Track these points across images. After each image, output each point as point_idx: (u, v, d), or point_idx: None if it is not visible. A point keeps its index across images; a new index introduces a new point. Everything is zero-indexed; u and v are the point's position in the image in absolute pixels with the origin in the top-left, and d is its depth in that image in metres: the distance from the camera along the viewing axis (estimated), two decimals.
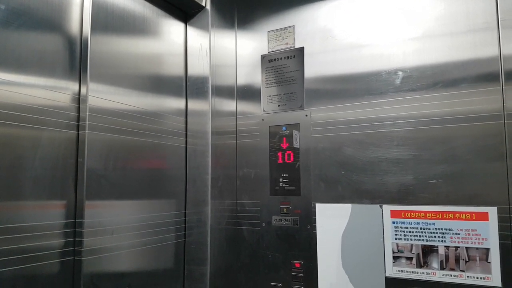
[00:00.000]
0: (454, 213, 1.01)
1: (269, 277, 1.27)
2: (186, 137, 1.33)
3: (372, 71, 1.15)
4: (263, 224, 1.30)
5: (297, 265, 1.23)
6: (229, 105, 1.38)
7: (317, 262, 1.19)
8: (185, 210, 1.32)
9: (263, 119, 1.33)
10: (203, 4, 1.29)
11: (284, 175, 1.28)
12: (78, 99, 0.99)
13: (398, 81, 1.11)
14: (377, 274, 1.09)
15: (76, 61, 0.99)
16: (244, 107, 1.38)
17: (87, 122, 0.97)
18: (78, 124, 0.98)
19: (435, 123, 1.06)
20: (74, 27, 0.99)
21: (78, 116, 0.98)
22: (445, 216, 1.02)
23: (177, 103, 1.30)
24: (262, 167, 1.32)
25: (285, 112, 1.29)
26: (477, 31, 1.04)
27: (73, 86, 0.98)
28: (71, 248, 0.95)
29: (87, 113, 0.97)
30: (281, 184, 1.28)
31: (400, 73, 1.11)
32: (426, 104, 1.07)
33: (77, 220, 0.96)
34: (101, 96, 1.02)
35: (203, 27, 1.31)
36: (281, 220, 1.27)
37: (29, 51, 0.88)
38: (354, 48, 1.19)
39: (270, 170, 1.30)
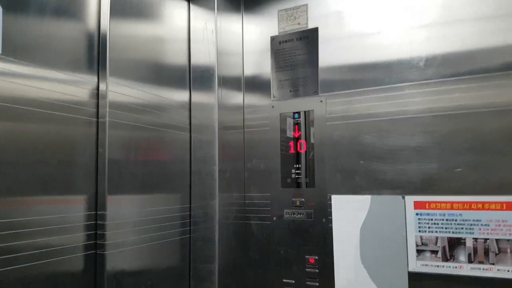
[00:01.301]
0: (483, 203, 0.96)
1: (281, 274, 1.20)
2: (190, 125, 1.25)
3: (394, 56, 1.08)
4: (274, 218, 1.23)
5: (312, 260, 1.17)
6: (236, 92, 1.30)
7: (333, 257, 1.13)
8: (190, 204, 1.23)
9: (273, 106, 1.25)
10: None
11: (297, 166, 1.20)
12: (97, 93, 0.96)
13: (422, 67, 1.04)
14: (400, 269, 1.03)
15: (94, 54, 0.96)
16: (253, 93, 1.29)
17: (107, 118, 0.94)
18: (98, 119, 0.95)
19: (462, 108, 1.00)
20: (92, 19, 0.95)
21: (97, 111, 0.95)
22: (473, 206, 0.97)
23: (184, 94, 1.22)
24: (273, 158, 1.24)
25: (298, 98, 1.22)
26: (509, 16, 0.98)
27: (92, 79, 0.95)
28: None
29: (107, 109, 0.95)
30: (293, 176, 1.21)
31: (425, 58, 1.04)
32: (453, 90, 1.01)
33: (98, 213, 0.93)
34: (119, 90, 0.98)
35: (209, 7, 1.22)
36: (294, 214, 1.20)
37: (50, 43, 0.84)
38: (374, 31, 1.12)
39: (281, 161, 1.23)
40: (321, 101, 1.17)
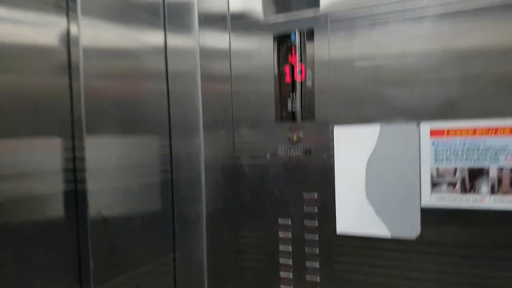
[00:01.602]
0: (511, 127, 0.83)
1: (276, 214, 1.08)
2: (167, 70, 1.07)
3: None
4: (268, 157, 1.09)
5: (310, 199, 1.04)
6: (222, 29, 1.10)
7: (335, 195, 1.01)
8: (170, 141, 1.08)
9: (264, 27, 1.07)
10: None
11: (293, 95, 1.05)
12: (68, 36, 0.81)
13: None
14: (411, 205, 0.92)
15: None
16: (238, 11, 1.10)
17: (81, 65, 0.80)
18: (70, 66, 0.81)
19: (488, 15, 0.84)
20: None
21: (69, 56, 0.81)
22: (499, 131, 0.84)
23: (158, 36, 1.03)
24: (264, 88, 1.08)
25: (294, 14, 1.03)
26: None
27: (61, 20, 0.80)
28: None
29: (81, 55, 0.81)
30: (289, 108, 1.05)
31: None
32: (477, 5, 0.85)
33: (77, 149, 0.81)
34: (91, 32, 0.83)
35: None
36: (291, 150, 1.06)
37: None
38: None
39: (274, 91, 1.07)
40: (322, 18, 0.99)
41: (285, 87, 1.06)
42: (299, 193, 1.05)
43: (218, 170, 1.10)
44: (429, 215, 0.91)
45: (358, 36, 0.96)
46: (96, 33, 0.85)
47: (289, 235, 1.07)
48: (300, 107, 1.04)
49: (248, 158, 1.11)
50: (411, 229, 0.92)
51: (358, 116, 0.97)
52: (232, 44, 1.10)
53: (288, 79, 1.05)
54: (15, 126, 0.71)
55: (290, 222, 1.07)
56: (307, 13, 1.01)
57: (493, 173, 0.85)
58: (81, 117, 0.81)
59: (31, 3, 0.73)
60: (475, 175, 0.86)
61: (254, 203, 1.11)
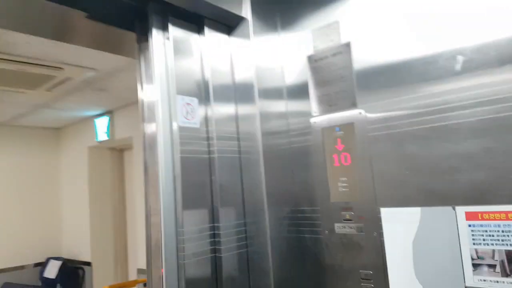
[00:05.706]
0: None
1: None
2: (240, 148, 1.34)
3: (427, 56, 1.04)
4: (326, 232, 1.25)
5: (366, 275, 1.15)
6: (279, 107, 1.35)
7: (387, 271, 1.10)
8: (244, 219, 1.32)
9: (314, 122, 1.28)
10: (243, 15, 1.29)
11: (343, 178, 1.21)
12: None
13: (458, 66, 0.98)
14: (456, 284, 0.97)
15: None
16: (294, 110, 1.34)
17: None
18: None
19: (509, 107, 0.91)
20: None
21: None
22: None
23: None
24: (318, 171, 1.26)
25: (337, 112, 1.22)
26: None
27: None
28: None
29: None
30: (340, 189, 1.21)
31: (460, 57, 0.98)
32: (496, 87, 0.93)
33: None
34: None
35: (245, 36, 1.30)
36: (345, 227, 1.21)
37: None
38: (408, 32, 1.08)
39: (327, 174, 1.24)
40: (360, 113, 1.16)
41: (334, 170, 1.23)
42: (356, 269, 1.17)
43: (283, 244, 1.29)
44: None
45: (391, 128, 1.09)
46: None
47: None
48: (350, 188, 1.19)
49: (309, 233, 1.29)
50: None
51: (401, 199, 1.08)
52: (288, 111, 1.33)
53: (336, 163, 1.22)
54: None
55: None
56: (348, 112, 1.19)
57: None
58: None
59: None
60: None
61: (316, 275, 1.26)
